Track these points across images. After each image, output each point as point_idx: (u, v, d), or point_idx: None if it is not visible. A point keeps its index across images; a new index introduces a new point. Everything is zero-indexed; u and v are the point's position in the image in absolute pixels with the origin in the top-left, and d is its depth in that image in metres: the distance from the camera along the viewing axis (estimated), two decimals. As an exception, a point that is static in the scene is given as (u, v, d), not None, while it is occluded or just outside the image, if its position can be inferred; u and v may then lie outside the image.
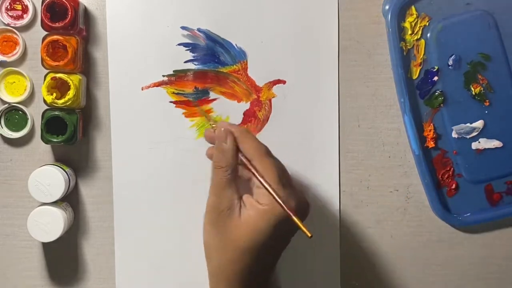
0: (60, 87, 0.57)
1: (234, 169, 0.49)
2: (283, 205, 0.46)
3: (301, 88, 0.60)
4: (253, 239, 0.47)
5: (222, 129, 0.50)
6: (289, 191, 0.47)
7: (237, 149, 0.50)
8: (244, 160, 0.49)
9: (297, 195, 0.48)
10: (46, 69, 0.56)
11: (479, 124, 0.59)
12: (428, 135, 0.59)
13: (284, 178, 0.49)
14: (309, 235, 0.45)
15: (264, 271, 0.50)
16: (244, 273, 0.47)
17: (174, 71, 0.60)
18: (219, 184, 0.49)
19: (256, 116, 0.60)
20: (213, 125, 0.53)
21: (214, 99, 0.60)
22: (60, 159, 0.60)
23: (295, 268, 0.61)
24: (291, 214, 0.46)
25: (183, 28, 0.59)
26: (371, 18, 0.60)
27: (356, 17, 0.60)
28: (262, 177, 0.48)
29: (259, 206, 0.47)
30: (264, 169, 0.48)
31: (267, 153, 0.50)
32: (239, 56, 0.60)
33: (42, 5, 0.55)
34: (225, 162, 0.49)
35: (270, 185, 0.47)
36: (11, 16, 0.59)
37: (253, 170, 0.48)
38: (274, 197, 0.46)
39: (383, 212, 0.61)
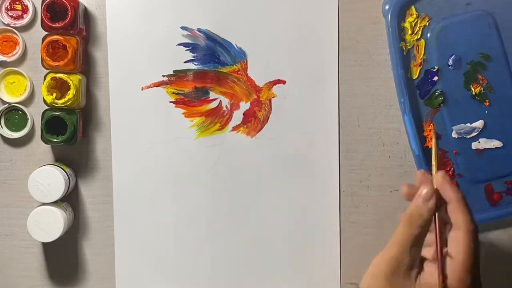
0: (60, 87, 0.57)
1: (426, 231, 0.46)
2: None
3: (301, 88, 0.60)
4: None
5: (426, 190, 0.45)
6: (472, 278, 0.44)
7: (436, 211, 0.46)
8: (437, 231, 0.46)
9: (477, 286, 0.45)
10: (46, 69, 0.56)
11: (479, 124, 0.59)
12: (428, 135, 0.59)
13: (476, 268, 0.44)
14: None
15: None
16: None
17: (174, 71, 0.60)
18: (407, 240, 0.45)
19: (256, 116, 0.60)
20: (433, 171, 0.49)
21: (214, 99, 0.60)
22: (60, 159, 0.60)
23: (295, 268, 0.61)
24: None
25: (183, 28, 0.59)
26: (371, 18, 0.60)
27: (356, 17, 0.60)
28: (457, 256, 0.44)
29: (436, 279, 0.44)
30: (464, 250, 0.44)
31: (476, 234, 0.45)
32: (239, 56, 0.60)
33: (42, 5, 0.55)
34: (420, 221, 0.45)
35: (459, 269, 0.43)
36: (11, 16, 0.59)
37: (438, 247, 0.45)
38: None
39: (383, 212, 0.61)
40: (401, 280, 0.45)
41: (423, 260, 0.46)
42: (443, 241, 0.45)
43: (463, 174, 0.59)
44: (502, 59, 0.58)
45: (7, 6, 0.59)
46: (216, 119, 0.60)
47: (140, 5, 0.59)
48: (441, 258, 0.45)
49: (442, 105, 0.59)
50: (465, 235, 0.44)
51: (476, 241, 0.45)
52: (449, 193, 0.46)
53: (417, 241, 0.45)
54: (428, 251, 0.47)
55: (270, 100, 0.60)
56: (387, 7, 0.58)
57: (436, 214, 0.46)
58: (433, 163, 0.50)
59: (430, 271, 0.45)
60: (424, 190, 0.46)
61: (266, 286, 0.61)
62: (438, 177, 0.46)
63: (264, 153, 0.60)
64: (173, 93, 0.60)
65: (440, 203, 0.46)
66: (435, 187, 0.46)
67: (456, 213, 0.45)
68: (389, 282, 0.45)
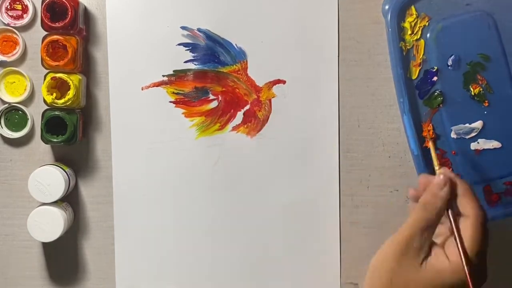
0: (60, 87, 0.57)
1: (439, 219, 0.48)
2: (469, 279, 0.45)
3: (301, 88, 0.60)
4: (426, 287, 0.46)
5: (442, 176, 0.48)
6: (477, 264, 0.46)
7: (448, 202, 0.48)
8: (451, 218, 0.48)
9: (482, 272, 0.47)
10: (46, 69, 0.56)
11: (478, 124, 0.59)
12: (427, 135, 0.59)
13: (484, 252, 0.47)
14: None
15: None
16: None
17: (174, 71, 0.60)
18: (420, 224, 0.47)
19: (256, 116, 0.60)
20: (436, 169, 0.51)
21: (214, 99, 0.60)
22: (60, 159, 0.60)
23: (295, 268, 0.61)
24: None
25: (183, 28, 0.59)
26: (371, 18, 0.60)
27: (356, 17, 0.60)
28: (462, 241, 0.46)
29: (445, 260, 0.46)
30: (471, 236, 0.46)
31: (484, 220, 0.47)
32: (239, 56, 0.60)
33: (42, 5, 0.55)
34: (435, 208, 0.47)
35: (465, 252, 0.46)
36: (11, 16, 0.58)
37: (455, 232, 0.47)
38: (464, 267, 0.45)
39: (383, 212, 0.61)
40: (409, 261, 0.47)
41: (432, 245, 0.48)
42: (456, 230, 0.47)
43: (461, 174, 0.59)
44: (502, 60, 0.58)
45: (7, 6, 0.58)
46: (216, 119, 0.60)
47: (140, 5, 0.59)
48: (460, 243, 0.46)
49: (441, 105, 0.59)
50: (473, 221, 0.47)
51: (483, 228, 0.47)
52: (459, 183, 0.48)
53: (429, 227, 0.47)
54: (437, 239, 0.49)
55: (270, 100, 0.60)
56: (387, 7, 0.58)
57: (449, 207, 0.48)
58: (434, 162, 0.52)
59: (437, 255, 0.47)
60: (439, 178, 0.48)
61: (266, 286, 0.61)
62: (443, 172, 0.49)
63: (264, 153, 0.60)
64: (173, 93, 0.60)
65: (451, 196, 0.48)
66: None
67: (464, 203, 0.47)
68: (397, 261, 0.47)
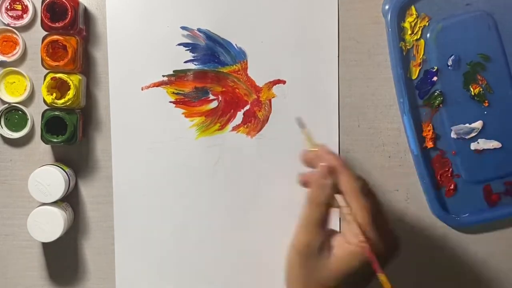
0: (60, 87, 0.57)
1: (329, 209, 0.47)
2: (371, 254, 0.45)
3: (301, 88, 0.60)
4: (341, 280, 0.45)
5: (324, 164, 0.48)
6: (380, 233, 0.46)
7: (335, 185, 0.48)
8: (341, 197, 0.47)
9: (388, 238, 0.47)
10: (46, 69, 0.56)
11: (478, 124, 0.59)
12: (427, 135, 0.59)
13: (378, 218, 0.46)
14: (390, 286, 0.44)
15: None
16: None
17: (174, 71, 0.60)
18: (313, 221, 0.47)
19: (256, 116, 0.60)
20: (313, 149, 0.51)
21: (214, 99, 0.60)
22: (60, 159, 0.60)
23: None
24: (378, 268, 0.45)
25: (183, 28, 0.59)
26: (371, 18, 0.60)
27: (356, 17, 0.60)
28: (355, 216, 0.46)
29: (348, 246, 0.45)
30: (358, 207, 0.46)
31: (364, 190, 0.47)
32: (239, 56, 0.60)
33: (42, 5, 0.55)
34: (324, 198, 0.47)
35: (361, 226, 0.45)
36: (11, 16, 0.58)
37: (345, 210, 0.46)
38: (362, 242, 0.45)
39: (383, 212, 0.61)
40: (314, 261, 0.46)
41: (332, 235, 0.47)
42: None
43: (462, 174, 0.60)
44: (502, 60, 0.58)
45: (7, 6, 0.58)
46: (216, 119, 0.60)
47: (140, 5, 0.59)
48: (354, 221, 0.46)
49: (441, 105, 0.59)
50: (354, 194, 0.46)
51: (365, 197, 0.46)
52: (331, 162, 0.48)
53: (323, 221, 0.47)
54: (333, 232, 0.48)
55: (270, 100, 0.60)
56: (387, 7, 0.58)
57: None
58: (310, 145, 0.53)
59: (339, 244, 0.46)
60: (324, 169, 0.48)
61: (266, 286, 0.61)
62: (320, 151, 0.49)
63: (264, 153, 0.60)
64: (173, 93, 0.60)
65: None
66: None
67: (341, 178, 0.47)
68: (303, 266, 0.46)
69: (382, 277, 0.45)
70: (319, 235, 0.46)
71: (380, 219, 0.47)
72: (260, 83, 0.60)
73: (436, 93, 0.59)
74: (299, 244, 0.47)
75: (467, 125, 0.59)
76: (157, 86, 0.60)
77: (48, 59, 0.55)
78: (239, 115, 0.60)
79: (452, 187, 0.60)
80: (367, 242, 0.45)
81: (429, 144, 0.59)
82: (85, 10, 0.59)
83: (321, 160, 0.49)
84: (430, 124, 0.59)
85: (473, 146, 0.59)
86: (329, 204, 0.47)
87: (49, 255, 0.61)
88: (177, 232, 0.60)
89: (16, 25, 0.58)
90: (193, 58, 0.60)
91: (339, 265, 0.46)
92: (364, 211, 0.46)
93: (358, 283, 0.47)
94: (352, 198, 0.46)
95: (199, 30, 0.60)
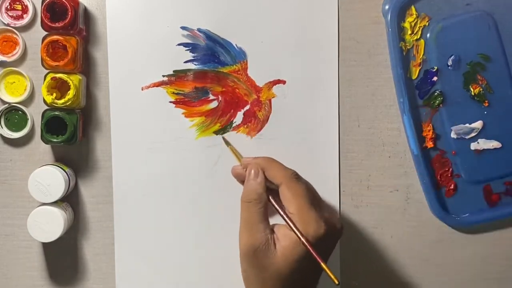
0: (60, 87, 0.57)
1: (266, 202, 0.49)
2: (306, 243, 0.46)
3: (301, 88, 0.60)
4: (292, 269, 0.46)
5: (250, 164, 0.50)
6: (319, 215, 0.47)
7: (266, 180, 0.50)
8: (272, 200, 0.49)
9: (328, 219, 0.47)
10: (46, 69, 0.56)
11: (478, 124, 0.59)
12: (427, 135, 0.59)
13: (315, 200, 0.48)
14: (335, 280, 0.45)
15: None
16: None
17: (174, 71, 0.60)
18: (251, 220, 0.48)
19: (256, 116, 0.60)
20: (240, 163, 0.55)
21: (214, 99, 0.60)
22: (60, 159, 0.60)
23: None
24: (314, 253, 0.45)
25: (183, 28, 0.59)
26: (371, 18, 0.60)
27: (356, 17, 0.60)
28: (283, 207, 0.48)
29: (291, 234, 0.46)
30: (293, 194, 0.47)
31: (295, 177, 0.49)
32: (239, 56, 0.60)
33: (42, 5, 0.55)
34: (256, 195, 0.48)
35: (290, 216, 0.47)
36: (11, 16, 0.58)
37: (275, 205, 0.48)
38: (294, 232, 0.46)
39: (383, 212, 0.61)
40: (264, 260, 0.47)
41: (276, 231, 0.48)
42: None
43: (462, 174, 0.60)
44: (502, 60, 0.58)
45: (7, 6, 0.58)
46: (216, 119, 0.60)
47: (140, 5, 0.59)
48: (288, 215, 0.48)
49: (441, 105, 0.59)
50: (285, 182, 0.48)
51: (296, 185, 0.48)
52: (260, 161, 0.51)
53: (261, 217, 0.48)
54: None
55: (270, 100, 0.60)
56: (387, 7, 0.58)
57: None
58: (237, 158, 0.56)
59: (282, 232, 0.47)
60: (251, 170, 0.51)
61: (266, 286, 0.61)
62: (246, 160, 0.53)
63: (264, 153, 0.60)
64: (173, 93, 0.60)
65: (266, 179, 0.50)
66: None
67: (272, 175, 0.49)
68: (255, 266, 0.47)
69: (323, 265, 0.46)
70: (261, 233, 0.47)
71: (317, 203, 0.48)
72: (260, 83, 0.60)
73: (436, 93, 0.59)
74: (244, 246, 0.48)
75: (467, 125, 0.59)
76: (157, 86, 0.60)
77: (48, 59, 0.55)
78: (239, 115, 0.60)
79: (452, 187, 0.60)
80: (300, 233, 0.46)
81: (429, 144, 0.59)
82: (85, 10, 0.59)
83: (247, 166, 0.51)
84: (430, 124, 0.59)
85: (473, 146, 0.59)
86: (264, 199, 0.49)
87: (49, 255, 0.61)
88: (177, 232, 0.60)
89: (16, 25, 0.58)
90: (193, 58, 0.60)
91: (287, 255, 0.46)
92: (299, 195, 0.47)
93: (315, 268, 0.48)
94: (286, 186, 0.48)
95: (199, 30, 0.60)
